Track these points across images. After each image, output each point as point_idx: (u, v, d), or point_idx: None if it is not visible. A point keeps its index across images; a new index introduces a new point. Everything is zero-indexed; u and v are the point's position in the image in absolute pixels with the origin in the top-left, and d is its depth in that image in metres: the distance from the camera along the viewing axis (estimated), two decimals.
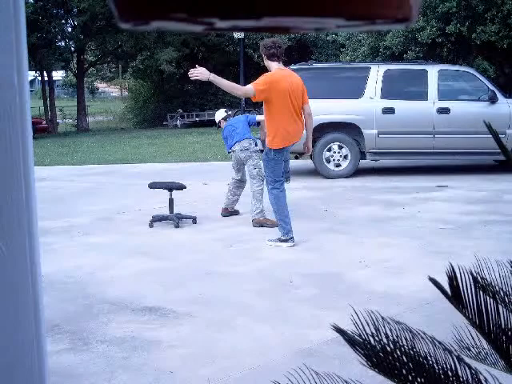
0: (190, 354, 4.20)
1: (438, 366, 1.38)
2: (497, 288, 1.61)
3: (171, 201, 8.20)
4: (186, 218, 8.30)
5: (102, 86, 63.99)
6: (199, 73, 6.49)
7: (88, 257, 6.77)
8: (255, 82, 6.84)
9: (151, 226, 8.10)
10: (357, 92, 12.66)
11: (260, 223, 7.96)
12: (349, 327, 1.48)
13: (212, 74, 6.54)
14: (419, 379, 1.36)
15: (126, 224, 8.36)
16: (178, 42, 31.75)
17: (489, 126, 1.65)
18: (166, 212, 8.32)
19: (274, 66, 6.94)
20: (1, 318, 0.78)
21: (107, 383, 3.80)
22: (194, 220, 8.26)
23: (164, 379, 3.84)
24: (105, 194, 11.02)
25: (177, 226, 8.01)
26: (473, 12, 21.27)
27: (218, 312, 4.99)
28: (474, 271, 1.62)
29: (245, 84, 6.79)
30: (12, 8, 0.78)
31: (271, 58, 6.94)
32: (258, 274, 6.03)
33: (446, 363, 1.38)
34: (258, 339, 4.43)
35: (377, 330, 1.38)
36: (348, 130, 12.55)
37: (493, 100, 12.44)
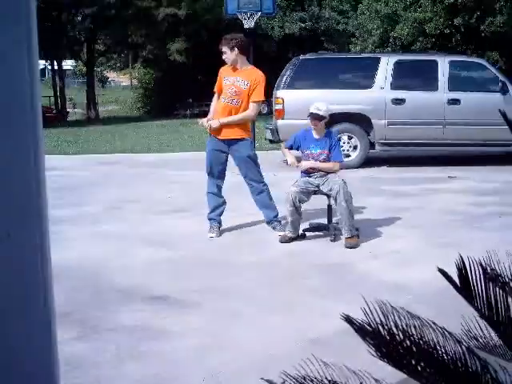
0: (199, 344, 4.20)
1: (447, 356, 1.37)
2: (506, 279, 1.60)
3: None
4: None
5: (112, 75, 63.88)
6: (213, 124, 6.98)
7: (98, 246, 6.79)
8: (260, 94, 6.93)
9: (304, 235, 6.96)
10: (367, 82, 12.62)
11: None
12: (358, 318, 1.48)
13: (221, 119, 6.94)
14: (428, 369, 1.36)
15: (136, 213, 8.37)
16: (188, 31, 31.64)
17: (504, 114, 1.64)
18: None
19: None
20: (10, 305, 0.79)
21: (115, 372, 3.81)
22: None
23: (172, 368, 3.85)
24: (114, 183, 11.04)
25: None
26: (481, 3, 21.18)
27: (226, 302, 5.00)
28: (483, 262, 1.62)
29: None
30: None
31: (245, 52, 7.13)
32: (266, 265, 6.04)
33: (455, 354, 1.38)
34: (266, 329, 4.43)
35: (386, 317, 1.38)
36: (358, 120, 12.51)
37: (504, 91, 12.38)
